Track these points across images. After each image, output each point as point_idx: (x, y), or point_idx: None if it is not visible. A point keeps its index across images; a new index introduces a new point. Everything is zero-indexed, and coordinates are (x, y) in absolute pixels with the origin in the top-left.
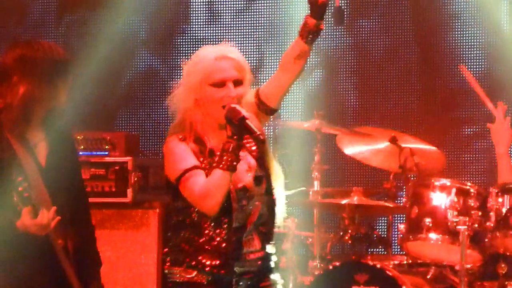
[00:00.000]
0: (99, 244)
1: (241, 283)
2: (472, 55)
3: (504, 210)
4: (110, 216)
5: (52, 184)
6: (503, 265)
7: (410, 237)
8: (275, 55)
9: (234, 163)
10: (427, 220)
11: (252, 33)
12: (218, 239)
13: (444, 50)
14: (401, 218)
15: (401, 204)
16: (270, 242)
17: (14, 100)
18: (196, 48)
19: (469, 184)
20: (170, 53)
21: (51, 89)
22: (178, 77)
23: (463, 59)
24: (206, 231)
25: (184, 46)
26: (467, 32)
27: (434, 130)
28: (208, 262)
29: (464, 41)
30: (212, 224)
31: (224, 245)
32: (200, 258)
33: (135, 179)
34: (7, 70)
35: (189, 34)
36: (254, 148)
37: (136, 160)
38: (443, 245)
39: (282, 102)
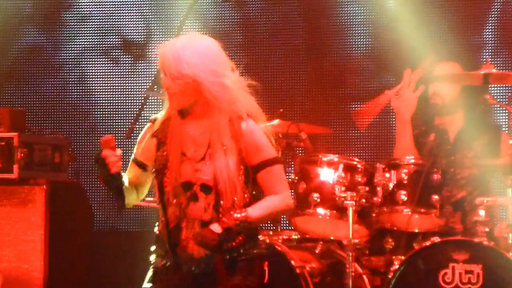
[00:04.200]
0: None
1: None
2: (357, 32)
3: (391, 185)
4: None
5: None
6: (389, 240)
7: (298, 212)
8: (162, 30)
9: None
10: (315, 196)
11: (140, 9)
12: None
13: (329, 28)
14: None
15: (289, 179)
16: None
17: None
18: (83, 24)
19: (356, 159)
20: (56, 28)
21: None
22: (64, 52)
23: (348, 37)
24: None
25: (70, 21)
26: (352, 9)
27: (321, 107)
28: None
29: (349, 18)
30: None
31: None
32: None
33: (21, 155)
34: None
35: (76, 9)
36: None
37: (22, 136)
38: (330, 220)
39: None
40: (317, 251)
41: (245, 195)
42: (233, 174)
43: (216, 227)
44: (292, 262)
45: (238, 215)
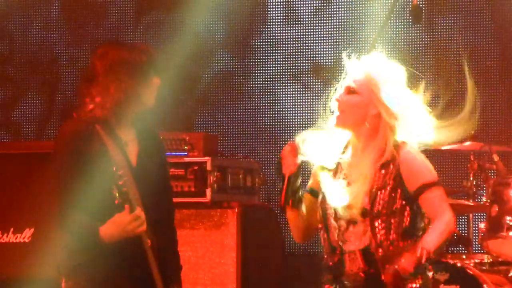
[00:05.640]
0: (179, 244)
1: None
2: None
3: None
4: (189, 216)
5: (141, 183)
6: None
7: (491, 235)
8: (352, 55)
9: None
10: (508, 219)
11: (330, 33)
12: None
13: None
14: (482, 217)
15: (481, 202)
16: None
17: (105, 98)
18: (274, 49)
19: None
20: (248, 53)
21: (140, 88)
22: (255, 77)
23: None
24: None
25: (261, 46)
26: None
27: None
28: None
29: None
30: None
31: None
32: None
33: (214, 179)
34: (94, 70)
35: (266, 35)
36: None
37: (215, 160)
38: None
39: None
40: (510, 275)
41: (404, 219)
42: (385, 197)
43: (408, 264)
44: (485, 285)
45: (421, 253)
